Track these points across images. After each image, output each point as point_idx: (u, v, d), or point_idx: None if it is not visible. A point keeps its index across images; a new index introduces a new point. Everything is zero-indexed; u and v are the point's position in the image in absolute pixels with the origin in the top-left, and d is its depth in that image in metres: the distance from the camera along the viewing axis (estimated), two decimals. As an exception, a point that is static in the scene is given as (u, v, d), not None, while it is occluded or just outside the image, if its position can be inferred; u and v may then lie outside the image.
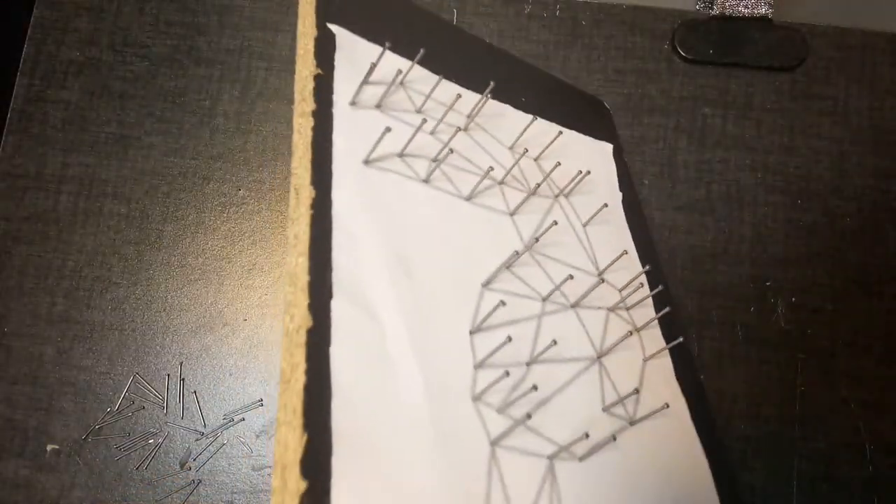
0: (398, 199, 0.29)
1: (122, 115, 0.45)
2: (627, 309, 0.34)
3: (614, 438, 0.28)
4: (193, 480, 0.41)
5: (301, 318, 0.22)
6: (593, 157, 0.41)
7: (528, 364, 0.28)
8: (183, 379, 0.42)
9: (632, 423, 0.30)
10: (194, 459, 0.41)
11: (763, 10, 0.45)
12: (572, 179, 0.37)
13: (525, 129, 0.36)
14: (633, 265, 0.37)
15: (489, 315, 0.27)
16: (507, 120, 0.37)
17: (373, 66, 0.29)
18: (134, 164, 0.45)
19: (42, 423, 0.41)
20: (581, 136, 0.41)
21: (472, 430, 0.24)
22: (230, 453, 0.41)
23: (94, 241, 0.44)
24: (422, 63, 0.32)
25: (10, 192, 0.44)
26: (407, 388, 0.24)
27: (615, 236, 0.37)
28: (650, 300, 0.36)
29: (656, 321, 0.35)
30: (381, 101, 0.31)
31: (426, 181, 0.30)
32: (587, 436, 0.26)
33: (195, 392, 0.42)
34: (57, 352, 0.42)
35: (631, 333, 0.33)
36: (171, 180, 0.44)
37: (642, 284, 0.35)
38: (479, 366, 0.26)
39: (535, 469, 0.25)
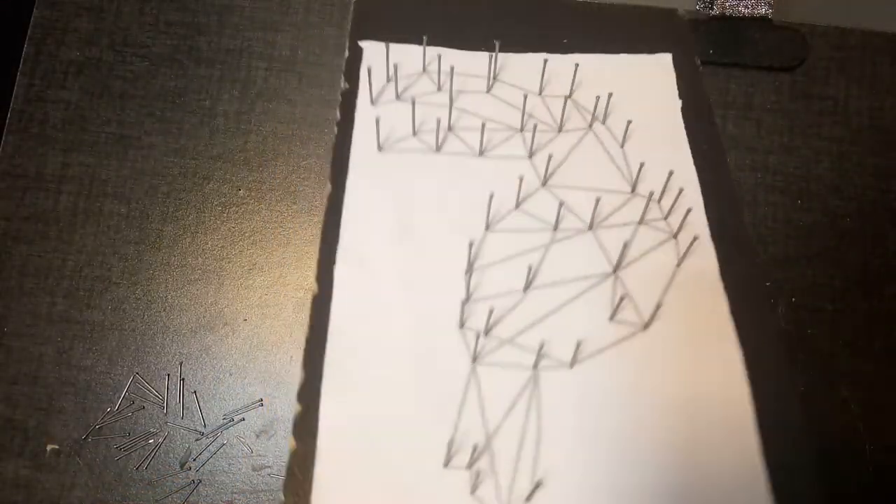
0: (408, 174, 0.32)
1: (122, 115, 0.45)
2: (665, 218, 0.32)
3: (578, 352, 0.27)
4: (193, 480, 0.41)
5: (311, 288, 0.29)
6: (644, 72, 0.37)
7: (525, 290, 0.29)
8: (183, 379, 0.42)
9: (645, 327, 0.29)
10: (194, 459, 0.41)
11: (763, 11, 0.45)
12: (596, 105, 0.35)
13: (543, 72, 0.34)
14: (684, 173, 0.33)
15: (476, 256, 0.29)
16: (539, 67, 0.36)
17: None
18: (134, 164, 0.45)
19: (42, 423, 0.41)
20: (629, 56, 0.38)
21: (453, 353, 0.28)
22: (230, 453, 0.41)
23: (94, 241, 0.44)
24: (448, 43, 0.34)
25: (10, 192, 0.44)
26: (396, 324, 0.28)
27: (665, 147, 0.34)
28: (702, 208, 0.33)
29: (706, 226, 0.32)
30: (401, 93, 0.34)
31: (438, 150, 0.33)
32: (579, 344, 0.27)
33: (195, 392, 0.42)
34: (57, 352, 0.42)
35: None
36: (171, 180, 0.44)
37: (682, 190, 0.32)
38: (467, 300, 0.29)
39: (516, 379, 0.27)
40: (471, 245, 0.29)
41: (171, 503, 0.41)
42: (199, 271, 0.44)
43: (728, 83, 0.45)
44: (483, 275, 0.30)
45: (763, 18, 0.45)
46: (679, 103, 0.36)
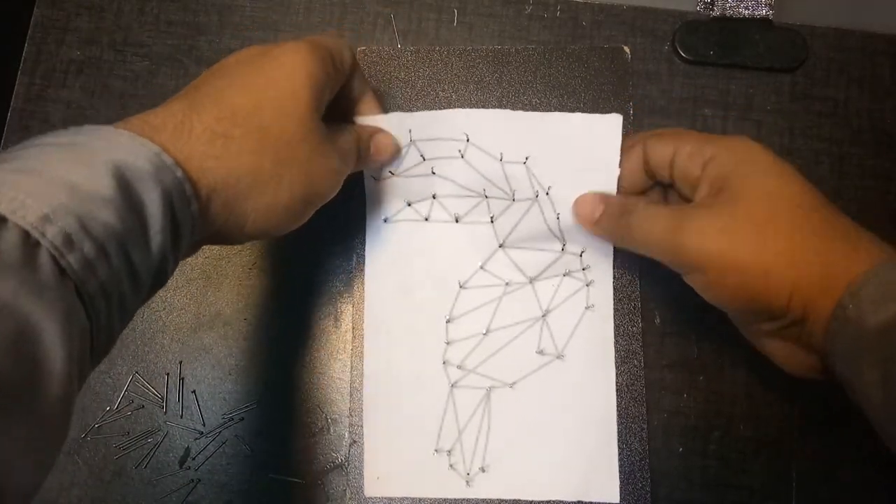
0: (406, 241, 0.42)
1: (122, 115, 0.45)
2: (584, 269, 0.42)
3: (510, 386, 0.41)
4: (192, 480, 0.41)
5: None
6: (591, 136, 0.40)
7: (485, 334, 0.42)
8: (182, 378, 0.42)
9: (559, 357, 0.41)
10: (193, 459, 0.41)
11: (763, 12, 0.45)
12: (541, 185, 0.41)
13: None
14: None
15: (454, 309, 0.42)
16: (502, 125, 0.41)
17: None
18: (134, 163, 0.45)
19: (41, 422, 0.41)
20: (581, 116, 0.40)
21: (438, 382, 0.41)
22: (229, 453, 0.41)
23: (93, 240, 0.44)
24: (430, 106, 0.44)
25: (10, 192, 0.44)
26: (400, 367, 0.42)
27: None
28: (610, 258, 0.42)
29: (610, 275, 0.42)
30: (396, 166, 0.41)
31: (427, 219, 0.42)
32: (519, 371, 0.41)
33: (194, 391, 0.42)
34: (56, 351, 0.42)
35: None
36: (172, 180, 0.44)
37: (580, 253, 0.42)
38: (448, 342, 0.42)
39: (476, 397, 0.41)
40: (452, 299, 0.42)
41: (170, 502, 0.41)
42: (199, 271, 0.44)
43: (728, 84, 0.45)
44: (457, 323, 0.42)
45: (763, 20, 0.45)
46: (617, 172, 0.39)
